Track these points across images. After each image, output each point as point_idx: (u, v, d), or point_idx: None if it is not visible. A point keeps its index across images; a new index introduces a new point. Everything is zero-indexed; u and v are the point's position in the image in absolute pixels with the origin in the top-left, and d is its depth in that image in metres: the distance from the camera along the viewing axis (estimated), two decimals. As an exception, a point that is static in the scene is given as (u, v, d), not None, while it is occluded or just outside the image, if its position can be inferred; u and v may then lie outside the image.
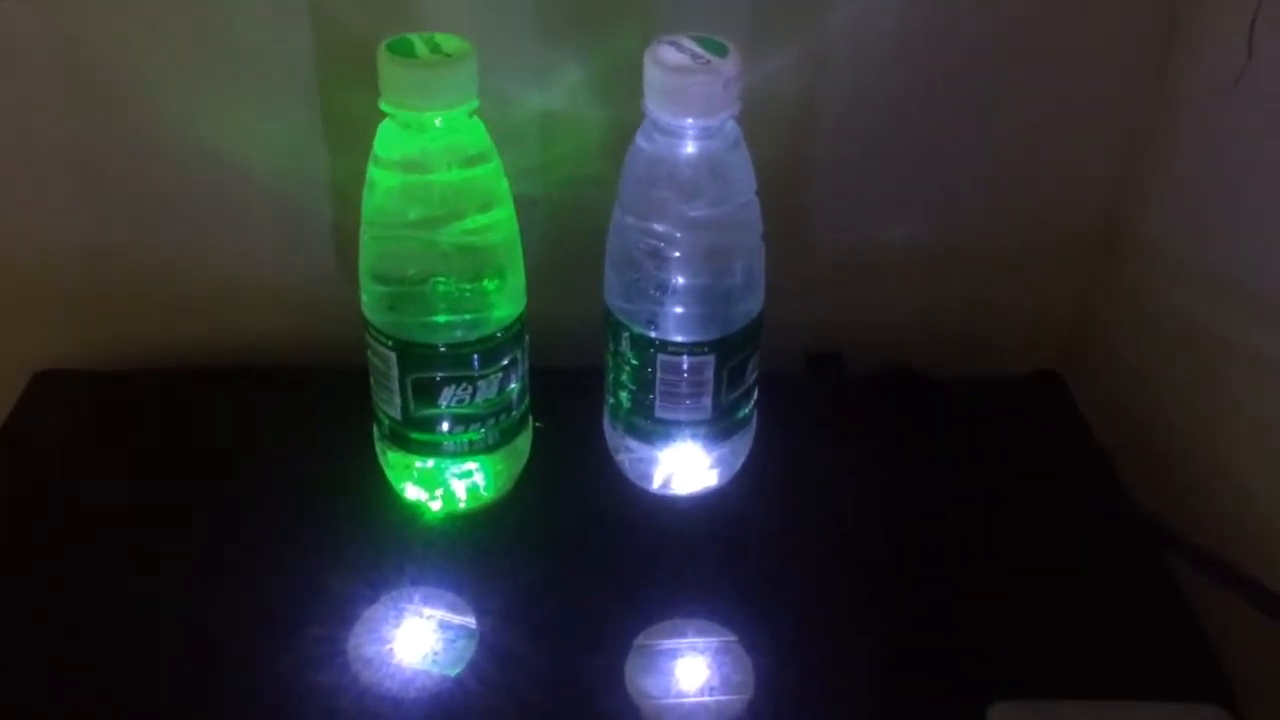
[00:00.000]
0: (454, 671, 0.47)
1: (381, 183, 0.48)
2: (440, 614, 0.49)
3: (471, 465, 0.53)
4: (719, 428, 0.53)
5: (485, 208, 0.49)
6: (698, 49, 0.47)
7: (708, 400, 0.52)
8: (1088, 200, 0.64)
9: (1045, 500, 0.57)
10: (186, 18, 0.55)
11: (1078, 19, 0.58)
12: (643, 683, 0.47)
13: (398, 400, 0.51)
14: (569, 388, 0.56)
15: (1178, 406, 0.60)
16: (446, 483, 0.54)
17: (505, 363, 0.51)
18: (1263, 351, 0.54)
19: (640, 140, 0.49)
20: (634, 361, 0.52)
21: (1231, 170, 0.56)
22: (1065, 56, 0.59)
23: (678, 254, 0.49)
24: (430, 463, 0.53)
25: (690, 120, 0.47)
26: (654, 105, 0.47)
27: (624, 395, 0.53)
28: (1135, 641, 0.50)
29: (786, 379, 0.59)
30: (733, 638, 0.49)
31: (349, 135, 0.56)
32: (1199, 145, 0.59)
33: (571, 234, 0.56)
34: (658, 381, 0.52)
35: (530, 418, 0.56)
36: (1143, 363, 0.63)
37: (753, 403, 0.55)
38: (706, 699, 0.47)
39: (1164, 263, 0.62)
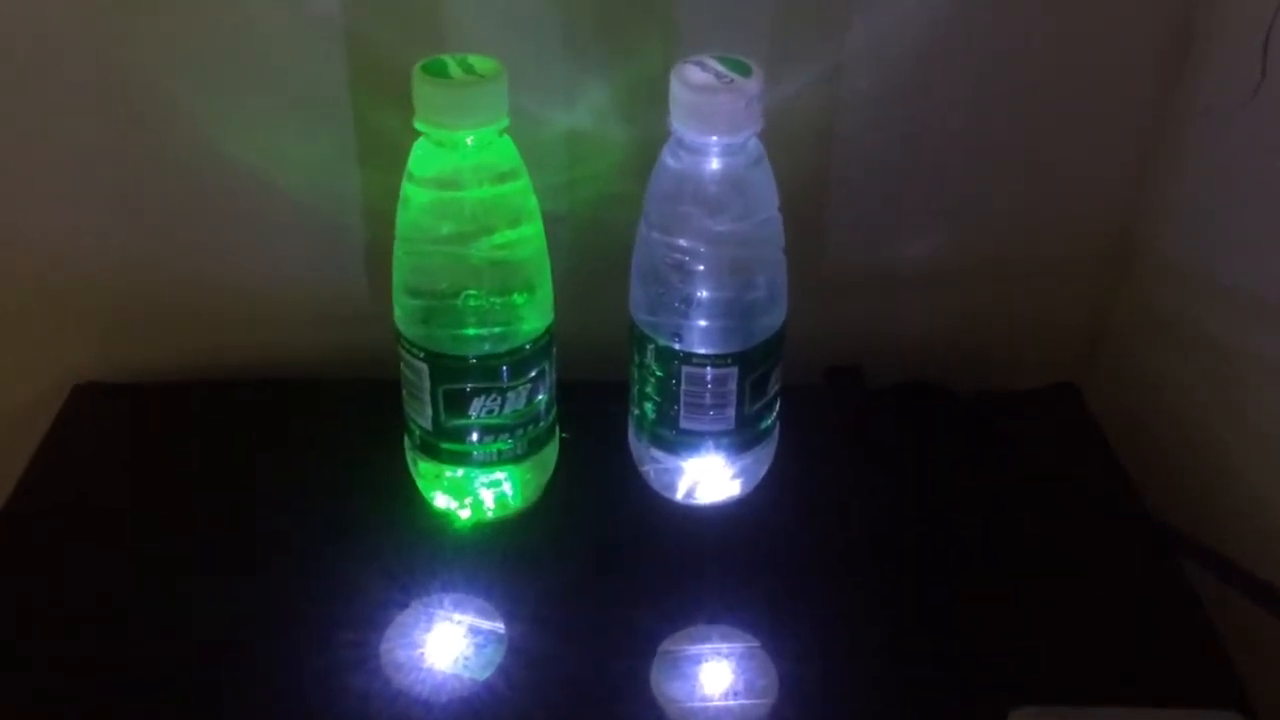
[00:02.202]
0: (483, 676, 0.48)
1: (415, 199, 0.49)
2: (470, 619, 0.50)
3: (500, 475, 0.54)
4: (742, 438, 0.54)
5: (515, 223, 0.50)
6: (722, 69, 0.48)
7: (731, 412, 0.53)
8: (1103, 214, 0.65)
9: (1062, 509, 0.57)
10: (222, 38, 0.57)
11: (1094, 35, 0.59)
12: (668, 687, 0.48)
13: (429, 411, 0.52)
14: (595, 400, 0.57)
15: (1193, 417, 0.61)
16: (475, 492, 0.55)
17: (533, 374, 0.52)
18: (1276, 362, 0.55)
19: (666, 157, 0.50)
20: (659, 373, 0.53)
21: (1245, 184, 0.57)
22: (1081, 72, 0.60)
23: (702, 268, 0.50)
24: (460, 472, 0.54)
25: (715, 138, 0.48)
26: (679, 124, 0.48)
27: (649, 407, 0.54)
28: (1150, 646, 0.51)
29: (806, 392, 0.60)
30: (756, 643, 0.49)
31: (380, 153, 0.57)
32: (1213, 159, 0.59)
33: (597, 250, 0.57)
34: (682, 393, 0.53)
35: (557, 429, 0.57)
36: (1158, 374, 0.64)
37: (775, 414, 0.56)
38: (730, 703, 0.47)
39: (1178, 275, 0.62)
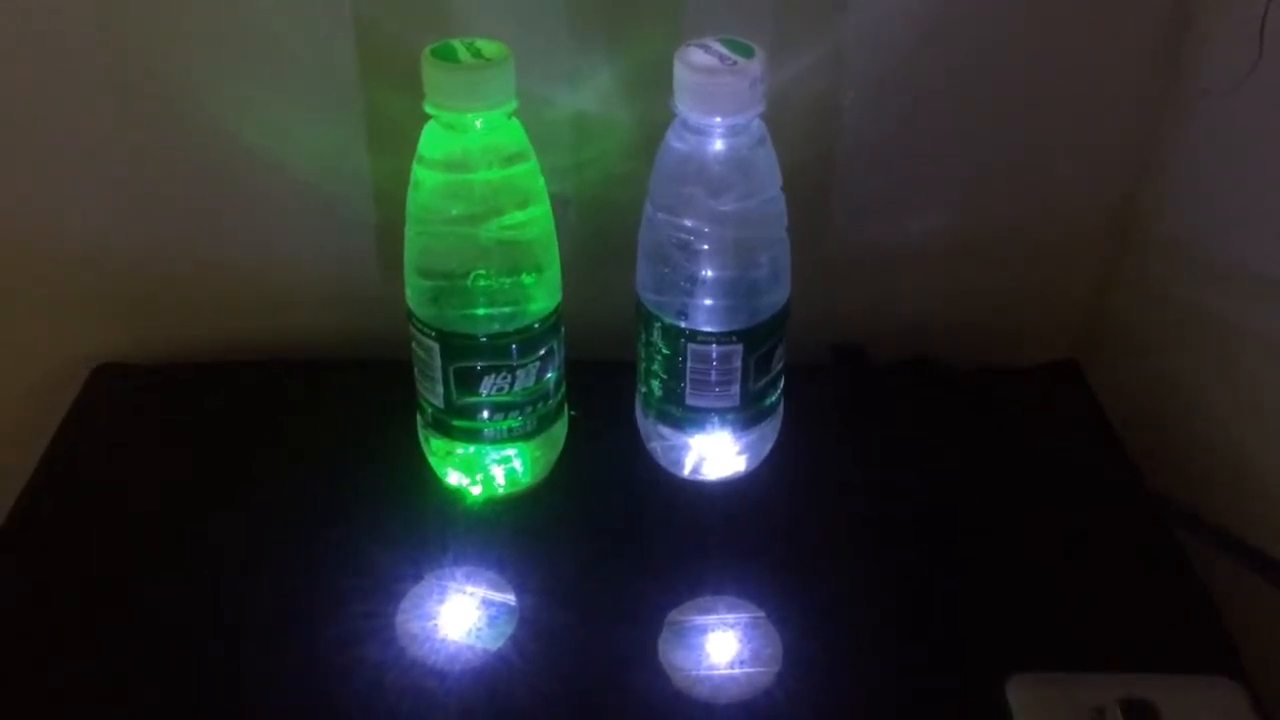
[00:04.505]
0: (495, 646, 0.49)
1: (425, 181, 0.50)
2: (482, 591, 0.51)
3: (510, 451, 0.55)
4: (747, 415, 0.55)
5: (523, 205, 0.51)
6: (725, 51, 0.48)
7: (736, 388, 0.54)
8: (1104, 193, 0.65)
9: (1062, 484, 0.58)
10: (234, 25, 0.57)
11: (1093, 16, 0.59)
12: (675, 657, 0.49)
13: (440, 389, 0.53)
14: (603, 378, 0.58)
15: (1192, 393, 0.61)
16: (486, 468, 0.56)
17: (542, 353, 0.53)
18: (1275, 339, 0.56)
19: (670, 139, 0.50)
20: (665, 351, 0.54)
21: (1244, 162, 0.57)
22: (1081, 52, 0.60)
23: (706, 247, 0.51)
24: (471, 449, 0.55)
25: (718, 119, 0.49)
26: (683, 105, 0.49)
27: (655, 384, 0.55)
28: (1147, 616, 0.51)
29: (812, 370, 0.61)
30: (761, 613, 0.50)
31: (390, 137, 0.58)
32: (1212, 138, 0.60)
33: (604, 230, 0.58)
34: (688, 370, 0.53)
35: (566, 406, 0.57)
36: (1158, 350, 0.64)
37: (779, 391, 0.57)
38: (736, 671, 0.48)
39: (1178, 253, 0.63)
